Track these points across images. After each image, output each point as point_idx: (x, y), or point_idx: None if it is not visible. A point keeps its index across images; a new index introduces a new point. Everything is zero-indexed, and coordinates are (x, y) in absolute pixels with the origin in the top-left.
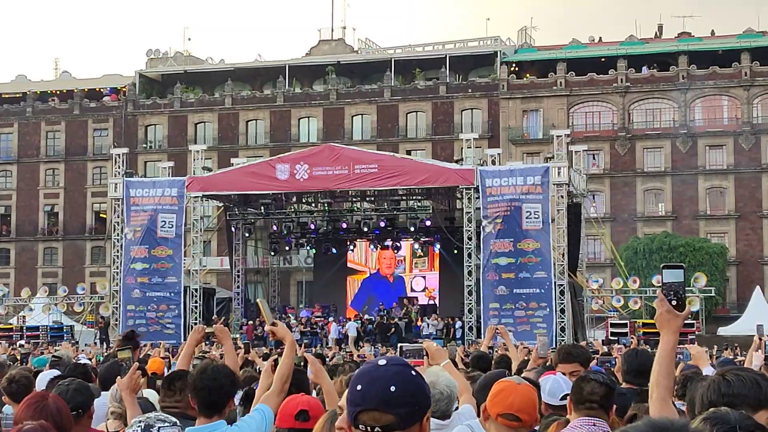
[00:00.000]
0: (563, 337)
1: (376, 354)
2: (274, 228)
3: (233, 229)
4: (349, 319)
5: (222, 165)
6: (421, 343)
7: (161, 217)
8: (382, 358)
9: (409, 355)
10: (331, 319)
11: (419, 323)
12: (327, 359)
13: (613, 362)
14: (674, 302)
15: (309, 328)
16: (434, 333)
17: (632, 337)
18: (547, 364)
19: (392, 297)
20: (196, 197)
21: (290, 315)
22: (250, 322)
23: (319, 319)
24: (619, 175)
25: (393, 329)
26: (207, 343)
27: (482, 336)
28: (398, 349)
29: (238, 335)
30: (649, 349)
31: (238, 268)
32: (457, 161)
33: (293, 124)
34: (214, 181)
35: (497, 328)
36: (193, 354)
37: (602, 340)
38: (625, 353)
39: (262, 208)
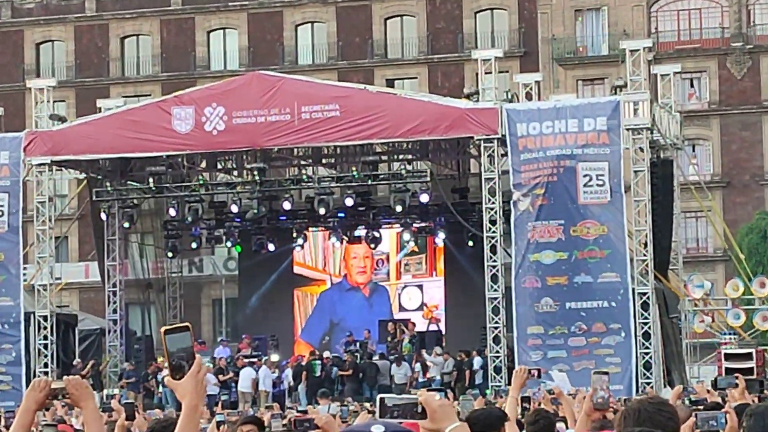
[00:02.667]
0: (649, 378)
1: (344, 416)
2: (172, 213)
3: (104, 216)
4: (300, 360)
5: (83, 112)
6: (416, 394)
7: None
8: (377, 424)
9: (396, 414)
10: (268, 357)
11: (414, 363)
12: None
13: (722, 421)
14: None
15: (232, 375)
16: (438, 378)
17: (762, 377)
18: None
19: (369, 320)
20: (41, 165)
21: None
22: (133, 367)
23: (248, 360)
24: (734, 112)
25: (369, 372)
26: (62, 405)
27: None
28: (379, 405)
29: (116, 391)
30: None
31: (114, 279)
32: (469, 96)
33: (199, 41)
34: (69, 138)
35: (530, 374)
36: (32, 426)
37: (711, 382)
38: (752, 410)
39: (151, 180)
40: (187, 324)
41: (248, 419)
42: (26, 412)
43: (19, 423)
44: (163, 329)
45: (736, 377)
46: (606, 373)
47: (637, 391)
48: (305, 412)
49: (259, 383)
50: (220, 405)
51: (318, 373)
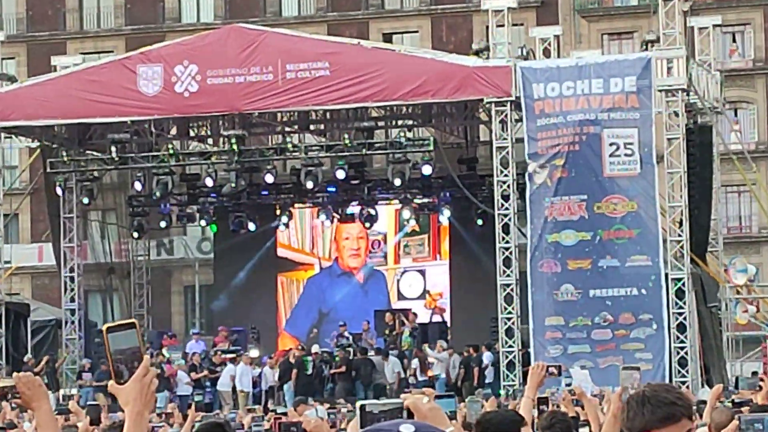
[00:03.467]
0: (684, 376)
1: (332, 419)
2: (138, 187)
3: (60, 190)
4: (288, 355)
5: (36, 71)
6: (405, 396)
7: None
8: (406, 423)
9: (380, 417)
10: (248, 352)
11: (412, 359)
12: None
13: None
14: None
15: (206, 373)
16: (443, 376)
17: None
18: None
19: (363, 310)
20: None
21: (167, 351)
22: (103, 364)
23: (225, 356)
24: None
25: (363, 370)
26: (13, 407)
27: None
28: (359, 414)
29: (74, 390)
30: None
31: (72, 263)
32: (478, 53)
33: None
34: (20, 100)
35: (549, 372)
36: None
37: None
38: None
39: (114, 150)
40: (133, 321)
41: (207, 427)
42: None
43: None
44: (105, 326)
45: (761, 378)
46: (637, 369)
47: None
48: (285, 414)
49: (236, 382)
50: (193, 407)
51: (310, 371)
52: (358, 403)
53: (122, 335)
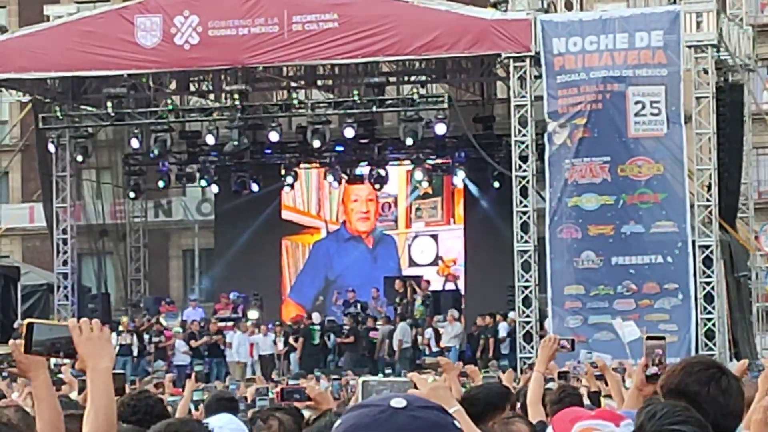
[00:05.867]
0: (712, 349)
1: (336, 392)
2: (135, 144)
3: (53, 147)
4: (297, 323)
5: (27, 20)
6: (411, 375)
7: None
8: (397, 397)
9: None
10: (244, 317)
11: (428, 329)
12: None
13: None
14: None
15: (206, 339)
16: (456, 347)
17: None
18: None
19: (372, 277)
20: None
21: (164, 319)
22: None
23: (224, 325)
24: None
25: (372, 343)
26: (4, 377)
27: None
28: (361, 389)
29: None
30: None
31: (65, 225)
32: (496, 5)
33: None
34: (10, 52)
35: (562, 346)
36: None
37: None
38: None
39: (110, 105)
40: (66, 324)
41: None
42: None
43: None
44: (26, 321)
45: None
46: (662, 338)
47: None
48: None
49: (233, 352)
50: (193, 378)
51: (317, 341)
52: (360, 379)
53: (49, 328)
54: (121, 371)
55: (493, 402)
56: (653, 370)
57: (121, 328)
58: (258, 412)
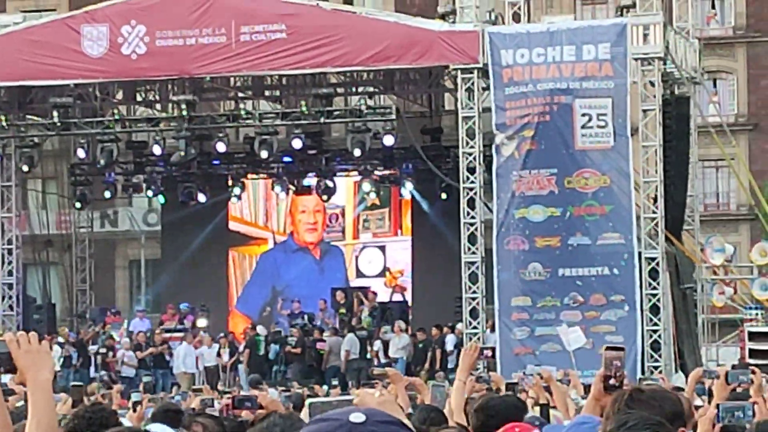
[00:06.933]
0: (657, 360)
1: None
2: (81, 154)
3: None
4: (237, 335)
5: None
6: (356, 392)
7: None
8: (356, 411)
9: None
10: (192, 326)
11: (374, 340)
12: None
13: (749, 412)
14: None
15: (151, 349)
16: (403, 359)
17: None
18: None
19: (319, 288)
20: None
21: (110, 331)
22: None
23: (170, 336)
24: (763, 40)
25: (320, 354)
26: None
27: (489, 366)
28: (308, 410)
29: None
30: None
31: (10, 235)
32: (444, 17)
33: None
34: None
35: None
36: None
37: (733, 366)
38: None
39: (56, 114)
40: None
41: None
42: None
43: None
44: None
45: (752, 371)
46: (621, 350)
47: (642, 374)
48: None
49: (179, 363)
50: (142, 389)
51: (262, 351)
52: (308, 401)
53: None
54: (79, 383)
55: (509, 414)
56: (612, 381)
57: (61, 339)
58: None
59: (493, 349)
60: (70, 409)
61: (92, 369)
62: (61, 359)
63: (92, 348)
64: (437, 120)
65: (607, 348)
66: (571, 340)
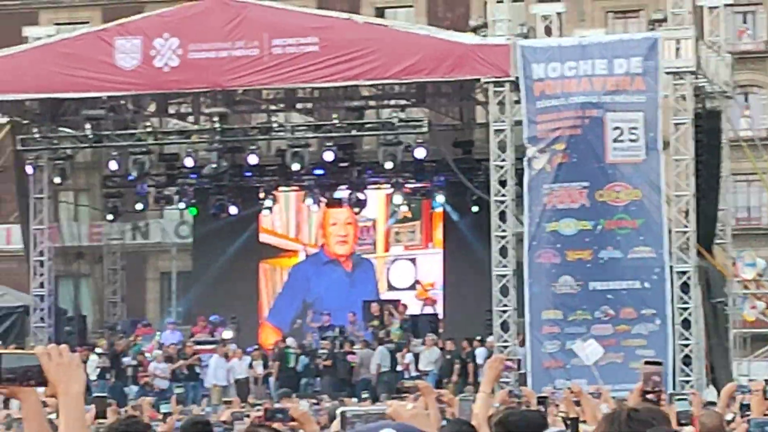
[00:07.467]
0: (688, 375)
1: (318, 414)
2: (113, 166)
3: (30, 169)
4: (268, 348)
5: (5, 41)
6: (389, 403)
7: None
8: (387, 427)
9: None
10: (220, 339)
11: (405, 352)
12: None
13: None
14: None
15: (181, 362)
16: (434, 371)
17: None
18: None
19: (350, 301)
20: None
21: (140, 342)
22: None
23: (201, 348)
24: None
25: (347, 365)
26: None
27: (520, 380)
28: (340, 419)
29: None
30: None
31: (42, 247)
32: (476, 30)
33: None
34: None
35: (509, 365)
36: None
37: (766, 380)
38: None
39: (88, 127)
40: (33, 353)
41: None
42: None
43: None
44: None
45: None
46: (659, 364)
47: (673, 389)
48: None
49: (209, 375)
50: (173, 401)
51: (292, 364)
52: (339, 410)
53: (17, 357)
54: (103, 395)
55: (530, 429)
56: (649, 395)
57: (99, 350)
58: None
59: (519, 362)
60: (93, 420)
61: (124, 381)
62: (98, 370)
63: (125, 360)
64: (469, 133)
65: (646, 362)
66: (589, 354)
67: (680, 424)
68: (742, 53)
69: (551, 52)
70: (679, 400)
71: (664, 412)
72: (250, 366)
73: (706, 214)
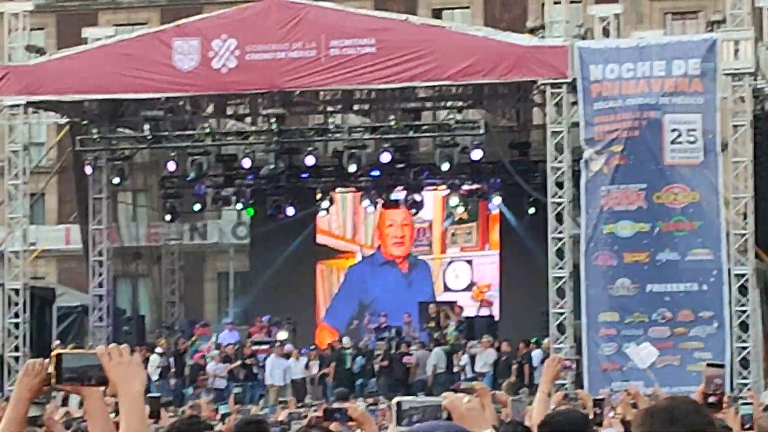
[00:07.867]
0: (746, 378)
1: (375, 414)
2: (171, 167)
3: (89, 169)
4: (324, 348)
5: (65, 42)
6: (445, 395)
7: None
8: (438, 428)
9: (416, 419)
10: (275, 339)
11: (461, 354)
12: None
13: None
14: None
15: (240, 362)
16: (490, 373)
17: None
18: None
19: (406, 302)
20: (14, 107)
21: (199, 341)
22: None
23: (259, 348)
24: None
25: (406, 368)
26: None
27: (577, 381)
28: (396, 409)
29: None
30: None
31: (100, 247)
32: (533, 31)
33: None
34: (49, 74)
35: (566, 365)
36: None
37: None
38: None
39: (147, 127)
40: (94, 352)
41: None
42: (18, 403)
43: (9, 417)
44: (55, 353)
45: None
46: (721, 366)
47: (731, 391)
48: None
49: (267, 375)
50: (232, 401)
51: (348, 365)
52: (395, 400)
53: (78, 356)
54: (157, 395)
55: (573, 428)
56: (711, 399)
57: (159, 350)
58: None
59: (577, 361)
60: (147, 419)
61: (183, 380)
62: (159, 369)
63: (183, 360)
64: (525, 134)
65: (708, 365)
66: (644, 357)
67: (744, 429)
68: None
69: (609, 54)
70: (743, 404)
71: (703, 409)
72: (307, 366)
73: (764, 216)
